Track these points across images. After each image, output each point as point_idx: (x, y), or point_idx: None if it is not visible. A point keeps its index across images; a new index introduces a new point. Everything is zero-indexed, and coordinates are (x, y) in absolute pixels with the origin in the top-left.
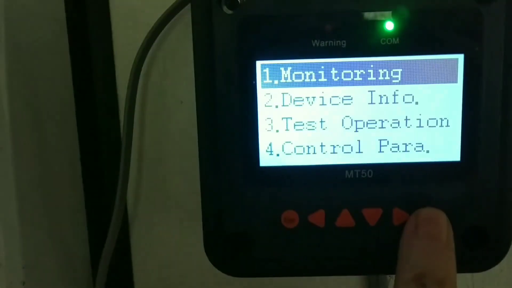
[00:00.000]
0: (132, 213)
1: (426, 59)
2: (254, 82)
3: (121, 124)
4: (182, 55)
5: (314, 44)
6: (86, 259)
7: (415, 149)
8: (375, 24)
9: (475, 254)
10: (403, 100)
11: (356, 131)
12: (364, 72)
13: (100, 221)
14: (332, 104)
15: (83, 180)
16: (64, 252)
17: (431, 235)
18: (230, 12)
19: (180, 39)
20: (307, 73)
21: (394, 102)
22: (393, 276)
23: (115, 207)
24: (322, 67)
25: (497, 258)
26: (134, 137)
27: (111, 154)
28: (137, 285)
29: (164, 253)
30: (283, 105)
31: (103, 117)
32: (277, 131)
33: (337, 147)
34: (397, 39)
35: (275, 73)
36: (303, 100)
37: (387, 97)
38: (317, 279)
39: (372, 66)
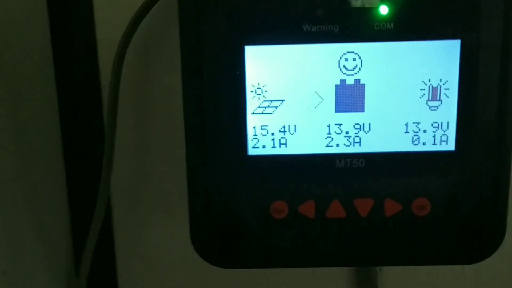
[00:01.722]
0: (116, 204)
1: (421, 45)
2: (242, 68)
3: (104, 112)
4: (168, 40)
5: (305, 29)
6: (69, 249)
7: (408, 138)
8: (369, 8)
9: (469, 245)
10: None
11: (347, 119)
12: (357, 58)
13: (83, 210)
14: (324, 91)
15: (66, 169)
16: (46, 242)
17: None
18: None
19: (166, 23)
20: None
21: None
22: (383, 267)
23: (99, 195)
24: (314, 52)
25: (491, 249)
26: (118, 126)
27: (94, 143)
28: (120, 277)
29: (149, 245)
30: (273, 91)
31: (85, 105)
32: (266, 119)
33: (327, 136)
34: (392, 24)
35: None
36: None
37: (377, 84)
38: (308, 270)
39: (365, 51)
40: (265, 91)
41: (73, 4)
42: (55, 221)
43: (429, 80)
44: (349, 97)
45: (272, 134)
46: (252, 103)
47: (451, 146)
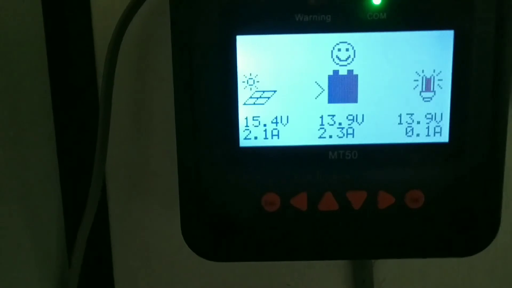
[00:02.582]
0: (111, 195)
1: (414, 35)
2: (234, 58)
3: (100, 100)
4: (165, 30)
5: (297, 19)
6: (61, 237)
7: (402, 129)
8: None
9: (463, 238)
10: None
11: (341, 110)
12: (350, 48)
13: (78, 203)
14: (316, 82)
15: (59, 161)
16: (37, 234)
17: None
18: None
19: (161, 13)
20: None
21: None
22: (378, 260)
23: (92, 185)
24: (306, 42)
25: (485, 242)
26: (113, 116)
27: (88, 130)
28: (116, 269)
29: (146, 237)
30: (265, 82)
31: (80, 95)
32: (258, 110)
33: (320, 127)
34: (385, 14)
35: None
36: None
37: (371, 74)
38: (303, 262)
39: (358, 41)
40: (257, 81)
41: None
42: (48, 213)
43: (423, 71)
44: (342, 88)
45: (264, 125)
46: (243, 93)
47: (444, 137)
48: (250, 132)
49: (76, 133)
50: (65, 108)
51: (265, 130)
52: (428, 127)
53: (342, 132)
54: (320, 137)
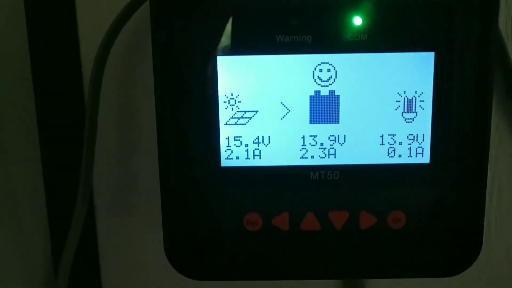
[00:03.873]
0: (99, 209)
1: (396, 57)
2: (215, 78)
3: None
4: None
5: (278, 39)
6: (46, 248)
7: (384, 150)
8: (343, 19)
9: (446, 258)
10: None
11: (323, 131)
12: (331, 69)
13: (64, 216)
14: (298, 102)
15: (44, 170)
16: (21, 240)
17: None
18: None
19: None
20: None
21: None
22: (369, 280)
23: (78, 198)
24: (287, 63)
25: (468, 262)
26: (100, 128)
27: (74, 143)
28: (104, 283)
29: (134, 250)
30: (246, 102)
31: (66, 105)
32: (240, 130)
33: (302, 147)
34: (366, 35)
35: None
36: None
37: (352, 95)
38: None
39: (339, 62)
40: (239, 101)
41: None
42: (33, 225)
43: (404, 92)
44: (324, 109)
45: (246, 145)
46: (225, 113)
47: (426, 158)
48: (232, 152)
49: (61, 139)
50: (50, 122)
51: (247, 150)
52: (410, 148)
53: (324, 153)
54: (302, 157)
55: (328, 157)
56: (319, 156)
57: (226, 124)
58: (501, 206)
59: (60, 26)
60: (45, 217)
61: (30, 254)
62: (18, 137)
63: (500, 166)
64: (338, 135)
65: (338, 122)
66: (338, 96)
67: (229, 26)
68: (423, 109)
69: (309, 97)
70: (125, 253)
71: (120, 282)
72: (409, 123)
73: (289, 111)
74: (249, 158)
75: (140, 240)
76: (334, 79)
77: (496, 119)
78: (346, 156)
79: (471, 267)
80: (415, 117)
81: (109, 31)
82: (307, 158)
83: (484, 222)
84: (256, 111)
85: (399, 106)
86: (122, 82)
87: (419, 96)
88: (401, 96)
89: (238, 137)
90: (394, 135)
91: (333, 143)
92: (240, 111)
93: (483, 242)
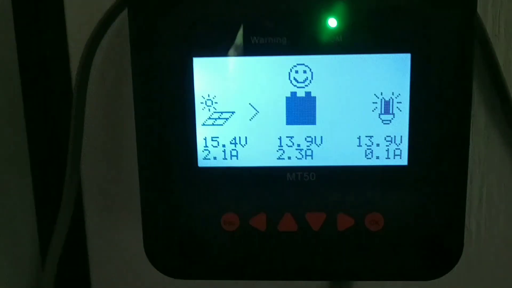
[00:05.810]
0: (88, 208)
1: (371, 58)
2: (191, 79)
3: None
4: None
5: (253, 41)
6: (34, 244)
7: (361, 152)
8: (318, 21)
9: (425, 261)
10: None
11: (298, 131)
12: (307, 70)
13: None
14: (274, 103)
15: (32, 169)
16: (9, 235)
17: None
18: None
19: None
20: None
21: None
22: (357, 282)
23: (64, 196)
24: (263, 64)
25: (448, 265)
26: (87, 128)
27: (61, 140)
28: (94, 282)
29: (123, 249)
30: (223, 103)
31: (53, 106)
32: (217, 130)
33: (279, 148)
34: (340, 37)
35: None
36: None
37: (329, 96)
38: (279, 282)
39: (315, 63)
40: (215, 102)
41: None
42: (21, 222)
43: (381, 94)
44: (300, 110)
45: (223, 145)
46: (202, 114)
47: (404, 160)
48: (209, 152)
49: (49, 135)
50: (38, 121)
51: (224, 151)
52: (387, 150)
53: (300, 154)
54: (278, 158)
55: (305, 158)
56: (296, 157)
57: (203, 124)
58: (490, 207)
59: (48, 24)
60: (33, 213)
61: (18, 250)
62: (6, 134)
63: (489, 167)
64: (315, 136)
65: (314, 123)
66: (315, 97)
67: (205, 28)
68: (400, 110)
69: (285, 98)
70: (114, 250)
71: (108, 278)
72: (386, 125)
73: (266, 112)
74: (226, 159)
75: (129, 237)
76: (310, 81)
77: (484, 119)
78: (323, 157)
79: (460, 269)
80: (392, 118)
81: (96, 29)
82: (284, 159)
83: (474, 224)
84: (233, 112)
85: (376, 107)
86: (109, 83)
87: (396, 97)
88: (378, 98)
89: (215, 137)
90: (371, 136)
91: (310, 144)
92: (217, 112)
93: (473, 245)
